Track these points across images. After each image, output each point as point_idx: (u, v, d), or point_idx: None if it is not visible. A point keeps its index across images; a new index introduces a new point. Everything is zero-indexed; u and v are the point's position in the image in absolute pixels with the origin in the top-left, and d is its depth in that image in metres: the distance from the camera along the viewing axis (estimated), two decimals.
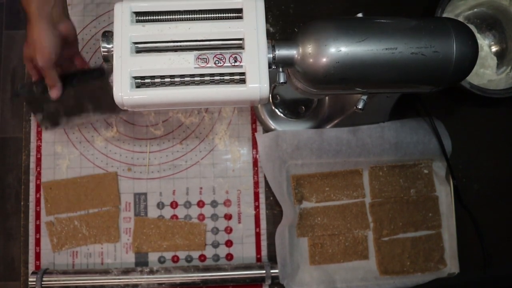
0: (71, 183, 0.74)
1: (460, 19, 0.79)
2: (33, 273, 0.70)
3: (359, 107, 0.56)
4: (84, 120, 0.71)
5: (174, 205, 0.75)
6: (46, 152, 0.75)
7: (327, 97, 0.76)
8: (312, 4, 0.80)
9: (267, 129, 0.76)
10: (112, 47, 0.49)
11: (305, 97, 0.75)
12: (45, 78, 0.65)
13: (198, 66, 0.48)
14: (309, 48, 0.50)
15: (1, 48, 1.61)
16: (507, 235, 0.77)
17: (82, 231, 0.73)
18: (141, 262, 0.73)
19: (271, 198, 0.75)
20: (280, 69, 0.52)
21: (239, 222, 0.75)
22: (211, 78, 0.49)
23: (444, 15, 0.75)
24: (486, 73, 0.78)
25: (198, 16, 0.50)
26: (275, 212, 0.75)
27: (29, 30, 0.60)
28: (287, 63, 0.52)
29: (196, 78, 0.49)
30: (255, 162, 0.76)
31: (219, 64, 0.48)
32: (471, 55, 0.52)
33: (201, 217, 0.74)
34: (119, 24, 0.49)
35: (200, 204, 0.75)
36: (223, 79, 0.49)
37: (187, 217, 0.74)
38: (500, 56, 0.79)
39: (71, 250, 0.73)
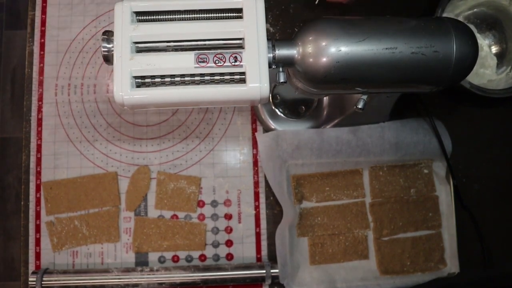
0: (71, 183, 0.74)
1: (460, 19, 0.79)
2: (33, 273, 0.70)
3: (359, 107, 0.56)
4: None
5: None
6: (46, 152, 0.75)
7: (327, 97, 0.76)
8: (312, 4, 0.80)
9: (267, 129, 0.76)
10: (113, 47, 0.49)
11: (305, 97, 0.76)
12: None
13: (198, 65, 0.48)
14: (309, 48, 0.50)
15: (1, 48, 1.61)
16: (507, 235, 0.77)
17: (82, 231, 0.73)
18: (141, 262, 0.73)
19: (271, 198, 0.75)
20: (280, 69, 0.52)
21: (239, 222, 0.75)
22: (211, 77, 0.49)
23: (444, 15, 0.75)
24: (486, 73, 0.78)
25: (198, 15, 0.50)
26: (275, 212, 0.75)
27: None
28: (287, 63, 0.52)
29: (196, 78, 0.49)
30: (255, 162, 0.76)
31: (219, 64, 0.48)
32: (471, 55, 0.52)
33: (201, 217, 0.74)
34: (119, 24, 0.49)
35: (200, 204, 0.75)
36: (223, 78, 0.49)
37: (187, 217, 0.74)
38: (500, 56, 0.79)
39: (71, 250, 0.73)
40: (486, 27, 0.80)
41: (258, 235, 0.74)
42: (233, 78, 0.49)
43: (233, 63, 0.48)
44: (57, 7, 0.78)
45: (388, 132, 0.73)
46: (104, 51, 0.49)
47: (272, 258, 0.73)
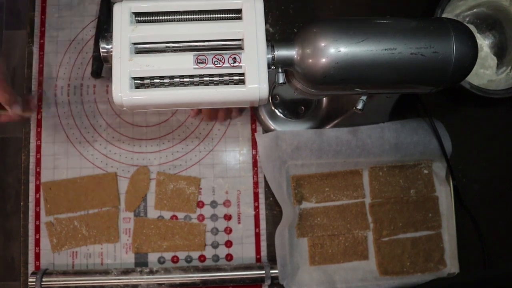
0: (71, 183, 0.74)
1: (460, 19, 0.79)
2: (33, 273, 0.70)
3: (359, 108, 0.56)
4: None
5: None
6: (46, 152, 0.75)
7: (326, 98, 0.76)
8: (312, 4, 0.80)
9: (267, 129, 0.76)
10: (112, 47, 0.49)
11: (305, 98, 0.75)
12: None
13: (197, 66, 0.48)
14: (309, 49, 0.50)
15: (1, 48, 1.61)
16: (507, 235, 0.77)
17: (82, 232, 0.73)
18: (141, 263, 0.73)
19: (271, 198, 0.75)
20: (280, 70, 0.52)
21: (239, 223, 0.75)
22: (210, 78, 0.49)
23: (444, 15, 0.75)
24: (486, 73, 0.78)
25: (197, 16, 0.50)
26: (274, 213, 0.75)
27: None
28: (286, 64, 0.52)
29: (195, 79, 0.49)
30: (255, 163, 0.76)
31: (218, 65, 0.48)
32: (471, 56, 0.52)
33: (201, 217, 0.74)
34: (118, 25, 0.49)
35: (200, 204, 0.75)
36: (223, 79, 0.49)
37: (187, 217, 0.74)
38: (500, 56, 0.79)
39: (71, 251, 0.73)
40: (486, 27, 0.80)
41: (257, 235, 0.74)
42: (232, 79, 0.49)
43: (232, 64, 0.48)
44: (57, 7, 0.78)
45: (387, 133, 0.73)
46: (103, 52, 0.49)
47: (272, 259, 0.73)
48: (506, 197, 0.78)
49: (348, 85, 0.52)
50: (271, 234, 0.74)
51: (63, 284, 0.69)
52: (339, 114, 0.70)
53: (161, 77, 0.48)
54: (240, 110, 0.75)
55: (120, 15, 0.49)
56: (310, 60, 0.50)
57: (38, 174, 0.74)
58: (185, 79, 0.49)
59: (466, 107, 0.80)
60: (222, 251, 0.74)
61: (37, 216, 0.73)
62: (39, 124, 0.75)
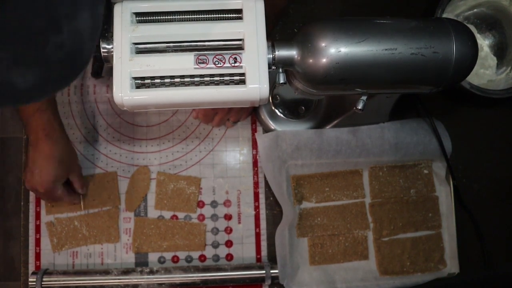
0: None
1: (460, 19, 0.79)
2: (33, 273, 0.70)
3: (359, 108, 0.56)
4: None
5: None
6: None
7: (326, 97, 0.76)
8: (312, 4, 0.80)
9: (267, 129, 0.76)
10: (112, 47, 0.49)
11: (305, 98, 0.75)
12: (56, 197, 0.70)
13: (198, 66, 0.48)
14: (309, 49, 0.50)
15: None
16: (507, 235, 0.77)
17: (82, 231, 0.73)
18: (141, 262, 0.73)
19: (271, 198, 0.75)
20: (280, 70, 0.52)
21: (239, 223, 0.75)
22: (211, 78, 0.49)
23: (444, 15, 0.75)
24: (486, 73, 0.78)
25: (198, 16, 0.50)
26: (275, 213, 0.75)
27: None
28: (287, 64, 0.52)
29: (196, 79, 0.49)
30: (255, 162, 0.76)
31: (218, 65, 0.48)
32: (471, 56, 0.52)
33: (201, 217, 0.74)
34: (119, 25, 0.49)
35: (200, 204, 0.75)
36: (223, 79, 0.49)
37: (187, 217, 0.74)
38: (500, 56, 0.79)
39: (71, 250, 0.73)
40: (486, 27, 0.80)
41: (258, 235, 0.74)
42: (233, 79, 0.49)
43: (232, 64, 0.48)
44: None
45: (387, 133, 0.73)
46: (103, 52, 0.49)
47: (272, 259, 0.73)
48: (506, 197, 0.78)
49: (348, 85, 0.52)
50: (271, 234, 0.74)
51: (63, 284, 0.69)
52: (339, 114, 0.70)
53: (161, 77, 0.48)
54: (242, 113, 0.75)
55: (121, 15, 0.49)
56: (311, 60, 0.50)
57: None
58: (186, 79, 0.48)
59: (466, 107, 0.80)
60: (223, 251, 0.74)
61: (38, 216, 0.73)
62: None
